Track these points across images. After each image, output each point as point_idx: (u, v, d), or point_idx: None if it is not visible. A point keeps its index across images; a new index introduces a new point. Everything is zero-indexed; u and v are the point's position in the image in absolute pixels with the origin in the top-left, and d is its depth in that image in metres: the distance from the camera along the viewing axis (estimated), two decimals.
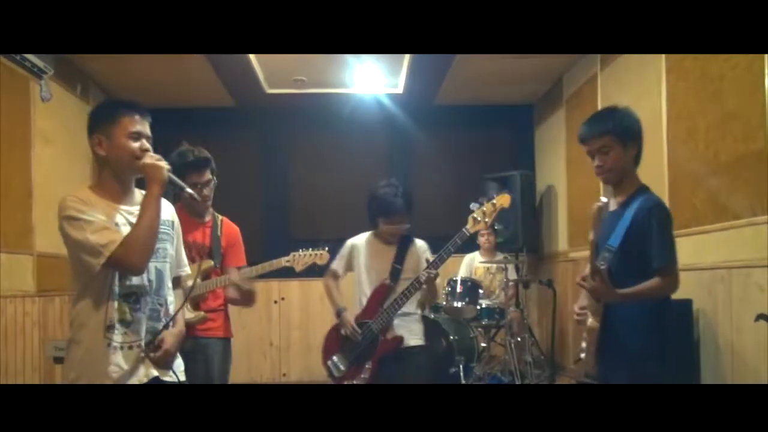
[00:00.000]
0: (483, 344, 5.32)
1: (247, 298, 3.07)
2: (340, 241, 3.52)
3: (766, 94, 2.99)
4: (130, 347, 2.05)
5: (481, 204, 3.21)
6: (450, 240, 3.19)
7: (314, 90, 6.24)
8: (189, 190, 2.20)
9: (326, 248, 3.20)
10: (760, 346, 2.96)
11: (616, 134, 2.33)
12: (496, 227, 5.54)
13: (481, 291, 5.27)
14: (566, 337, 5.87)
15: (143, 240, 2.00)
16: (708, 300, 3.42)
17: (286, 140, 6.82)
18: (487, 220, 3.19)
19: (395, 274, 3.33)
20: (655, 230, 2.24)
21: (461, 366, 4.90)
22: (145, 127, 2.11)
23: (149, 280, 2.09)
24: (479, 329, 5.36)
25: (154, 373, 2.09)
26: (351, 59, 5.42)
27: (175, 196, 2.44)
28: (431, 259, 3.27)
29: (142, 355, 2.07)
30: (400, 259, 3.35)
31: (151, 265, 2.09)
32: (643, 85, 4.20)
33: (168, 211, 2.22)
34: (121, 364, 2.02)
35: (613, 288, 2.21)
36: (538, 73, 5.84)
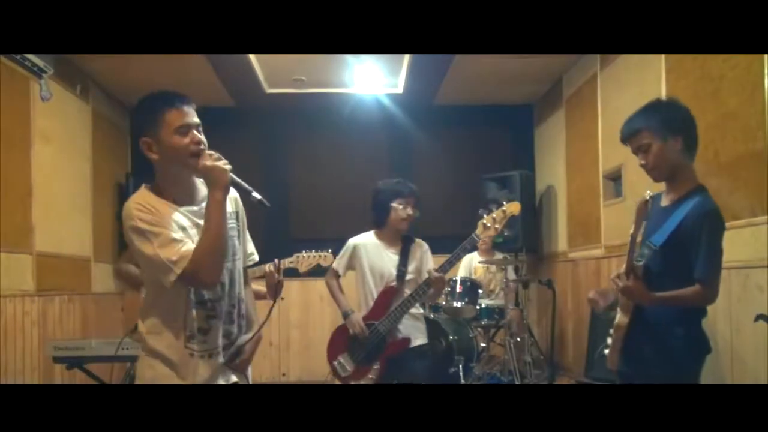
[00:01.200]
0: (482, 344, 5.32)
1: (276, 290, 2.98)
2: (341, 241, 3.54)
3: (766, 94, 2.99)
4: (210, 355, 1.97)
5: (491, 210, 3.22)
6: (459, 244, 3.20)
7: (314, 90, 6.24)
8: (256, 195, 1.99)
9: (330, 250, 3.20)
10: (760, 347, 2.95)
11: (652, 129, 2.22)
12: None
13: (480, 291, 5.27)
14: (566, 337, 5.87)
15: (212, 253, 1.86)
16: None
17: (286, 140, 6.82)
18: (497, 226, 3.20)
19: (401, 276, 3.35)
20: (704, 239, 2.12)
21: (461, 366, 4.90)
22: (191, 117, 1.92)
23: (221, 284, 1.97)
24: (479, 329, 5.36)
25: (234, 378, 2.04)
26: (351, 59, 5.42)
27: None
28: (431, 258, 3.35)
29: (221, 361, 1.99)
30: (404, 260, 3.38)
31: None
32: (643, 85, 4.20)
33: (231, 200, 2.03)
34: (203, 373, 1.95)
35: (647, 290, 2.13)
36: (538, 73, 5.83)
